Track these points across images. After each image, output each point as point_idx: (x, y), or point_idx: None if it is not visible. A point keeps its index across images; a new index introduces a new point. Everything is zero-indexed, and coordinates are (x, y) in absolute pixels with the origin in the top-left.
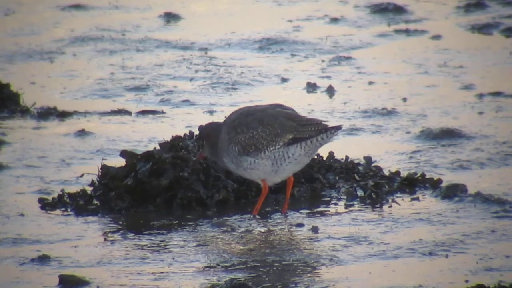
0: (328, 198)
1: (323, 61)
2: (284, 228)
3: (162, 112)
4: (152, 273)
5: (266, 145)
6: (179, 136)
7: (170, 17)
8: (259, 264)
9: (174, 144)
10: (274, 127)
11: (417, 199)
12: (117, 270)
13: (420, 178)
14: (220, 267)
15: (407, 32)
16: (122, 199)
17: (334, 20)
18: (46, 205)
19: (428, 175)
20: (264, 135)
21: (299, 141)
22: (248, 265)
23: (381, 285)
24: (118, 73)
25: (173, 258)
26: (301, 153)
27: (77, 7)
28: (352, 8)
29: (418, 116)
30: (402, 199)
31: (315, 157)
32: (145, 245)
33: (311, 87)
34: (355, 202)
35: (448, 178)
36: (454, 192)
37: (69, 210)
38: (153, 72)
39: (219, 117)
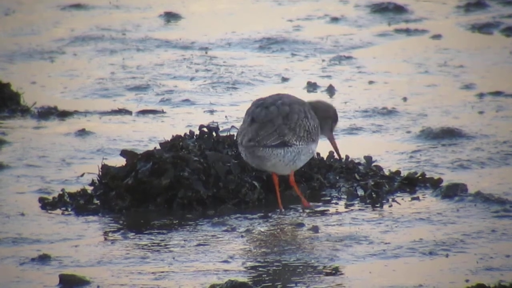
0: (329, 198)
1: (323, 60)
2: (284, 228)
3: (163, 112)
4: (152, 273)
5: None
6: (180, 136)
7: (171, 17)
8: (259, 264)
9: (175, 144)
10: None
11: (417, 198)
12: (117, 269)
13: (420, 177)
14: (220, 267)
15: (407, 31)
16: (122, 199)
17: (335, 19)
18: (47, 205)
19: (428, 175)
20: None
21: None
22: (248, 265)
23: (381, 284)
24: (119, 73)
25: (173, 258)
26: (245, 154)
27: (77, 6)
28: (352, 8)
29: (418, 115)
30: (402, 199)
31: (315, 156)
32: (145, 245)
33: (312, 87)
34: (356, 202)
35: (449, 177)
36: (454, 192)
37: (69, 209)
38: (153, 72)
39: (220, 117)
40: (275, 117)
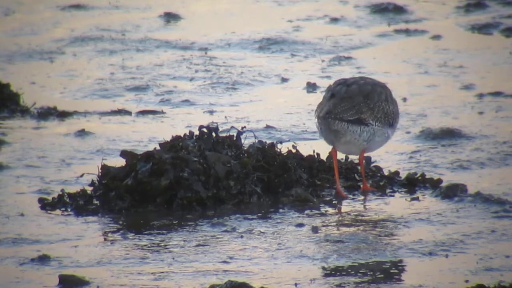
0: (328, 198)
1: (323, 61)
2: (284, 228)
3: (162, 112)
4: (152, 273)
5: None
6: (179, 136)
7: (170, 17)
8: (258, 265)
9: (174, 144)
10: None
11: (417, 199)
12: (117, 270)
13: (420, 178)
14: (219, 267)
15: (407, 32)
16: (122, 199)
17: (334, 20)
18: (46, 205)
19: (428, 175)
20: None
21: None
22: (248, 265)
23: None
24: (118, 73)
25: (173, 258)
26: (321, 128)
27: (77, 7)
28: (352, 8)
29: (418, 116)
30: (402, 199)
31: (315, 156)
32: (145, 245)
33: (311, 87)
34: (355, 202)
35: (448, 178)
36: (454, 192)
37: (69, 210)
38: (153, 72)
39: (219, 117)
40: (356, 95)
